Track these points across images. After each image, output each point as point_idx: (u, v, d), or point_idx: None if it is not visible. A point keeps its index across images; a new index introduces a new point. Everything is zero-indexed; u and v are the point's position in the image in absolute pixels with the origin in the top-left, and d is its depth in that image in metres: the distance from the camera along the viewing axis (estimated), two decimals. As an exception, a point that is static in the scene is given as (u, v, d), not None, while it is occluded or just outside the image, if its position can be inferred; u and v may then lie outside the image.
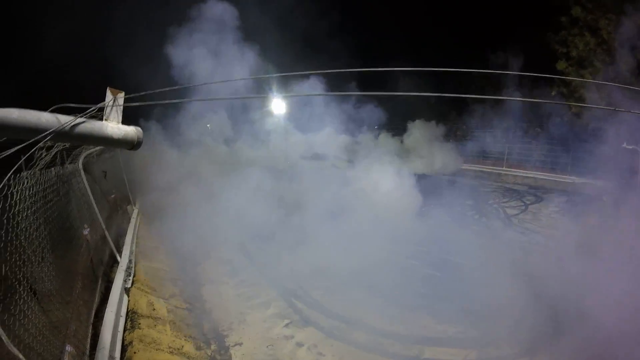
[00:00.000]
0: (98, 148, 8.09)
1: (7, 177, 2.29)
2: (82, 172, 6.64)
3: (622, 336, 5.67)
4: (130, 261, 7.10)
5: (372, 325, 6.76)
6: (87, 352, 4.27)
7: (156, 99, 2.87)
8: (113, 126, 2.40)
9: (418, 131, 23.31)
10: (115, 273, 6.19)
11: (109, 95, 2.44)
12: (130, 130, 2.48)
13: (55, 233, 4.43)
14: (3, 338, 1.65)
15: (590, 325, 6.02)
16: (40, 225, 3.83)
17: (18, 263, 2.94)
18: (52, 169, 4.54)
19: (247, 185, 13.20)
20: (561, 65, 16.27)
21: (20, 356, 2.02)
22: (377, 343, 6.26)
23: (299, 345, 6.18)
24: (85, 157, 7.23)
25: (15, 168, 1.99)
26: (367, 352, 6.00)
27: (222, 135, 17.88)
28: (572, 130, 19.55)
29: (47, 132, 2.03)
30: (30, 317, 2.92)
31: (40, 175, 3.87)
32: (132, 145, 2.52)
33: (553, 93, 18.85)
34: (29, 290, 3.03)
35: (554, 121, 20.10)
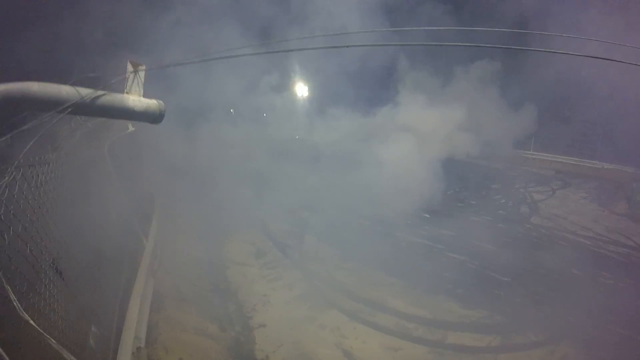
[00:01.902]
0: (124, 133, 8.17)
1: (18, 158, 2.27)
2: (107, 157, 6.73)
3: None
4: (156, 244, 7.21)
5: (395, 308, 6.70)
6: (114, 332, 4.36)
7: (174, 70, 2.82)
8: (135, 99, 2.37)
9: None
10: (141, 256, 6.29)
11: (129, 68, 2.41)
12: (152, 104, 2.45)
13: (82, 214, 4.50)
14: (24, 316, 1.67)
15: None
16: (67, 207, 3.89)
17: (44, 243, 2.99)
18: (79, 152, 4.59)
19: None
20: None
21: (45, 334, 2.03)
22: (401, 326, 6.21)
23: (322, 327, 6.19)
24: (110, 142, 7.33)
25: (30, 144, 1.97)
26: (390, 335, 5.96)
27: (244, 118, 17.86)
28: (602, 114, 18.76)
29: (68, 104, 2.01)
30: (56, 297, 2.98)
31: (66, 157, 3.91)
32: (154, 118, 2.49)
33: (583, 74, 18.03)
34: (55, 270, 3.08)
35: (584, 104, 19.32)
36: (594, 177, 17.72)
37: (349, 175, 12.92)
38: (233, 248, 9.45)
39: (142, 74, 2.40)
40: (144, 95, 2.40)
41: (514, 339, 5.89)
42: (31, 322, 1.66)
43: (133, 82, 2.37)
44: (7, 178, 2.40)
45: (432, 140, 11.45)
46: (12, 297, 1.63)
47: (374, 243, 9.54)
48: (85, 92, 2.03)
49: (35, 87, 1.86)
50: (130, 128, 8.06)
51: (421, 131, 11.51)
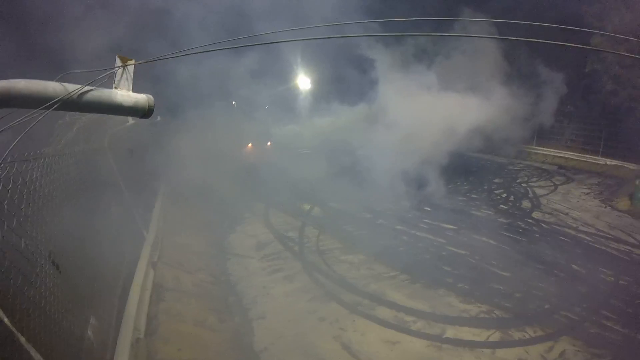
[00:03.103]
0: (124, 126, 8.21)
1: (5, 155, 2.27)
2: (108, 150, 6.76)
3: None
4: (157, 236, 7.27)
5: (395, 301, 6.72)
6: (113, 324, 4.41)
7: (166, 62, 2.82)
8: (123, 94, 2.36)
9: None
10: (141, 248, 6.34)
11: (117, 63, 2.40)
12: (141, 98, 2.44)
13: (81, 208, 4.53)
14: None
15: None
16: (65, 200, 3.91)
17: (40, 237, 3.01)
18: (76, 145, 4.61)
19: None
20: (595, 39, 15.27)
21: (15, 331, 2.06)
22: (400, 319, 6.23)
23: (321, 319, 6.22)
24: (110, 135, 7.36)
25: (16, 141, 1.97)
26: (389, 329, 5.98)
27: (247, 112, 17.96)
28: (605, 110, 18.60)
29: (54, 100, 2.01)
30: (52, 289, 3.01)
31: (62, 151, 3.92)
32: (143, 112, 2.48)
33: (587, 69, 17.84)
34: (52, 263, 3.11)
35: (588, 99, 19.18)
36: (596, 172, 17.64)
37: (351, 167, 12.95)
38: (234, 240, 9.51)
39: (131, 68, 2.39)
40: (134, 90, 2.39)
41: (513, 334, 5.88)
42: (5, 320, 1.67)
43: (122, 77, 2.36)
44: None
45: (432, 132, 11.40)
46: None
47: (375, 236, 9.60)
48: (72, 87, 2.03)
49: (20, 85, 1.87)
50: (131, 121, 8.10)
51: (421, 122, 11.45)
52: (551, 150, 20.92)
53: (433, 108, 11.36)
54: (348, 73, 16.46)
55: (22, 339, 2.26)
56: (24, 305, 2.47)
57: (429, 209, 11.73)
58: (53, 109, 1.98)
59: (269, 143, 19.22)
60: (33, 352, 2.32)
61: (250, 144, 18.65)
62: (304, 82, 19.04)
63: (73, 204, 4.16)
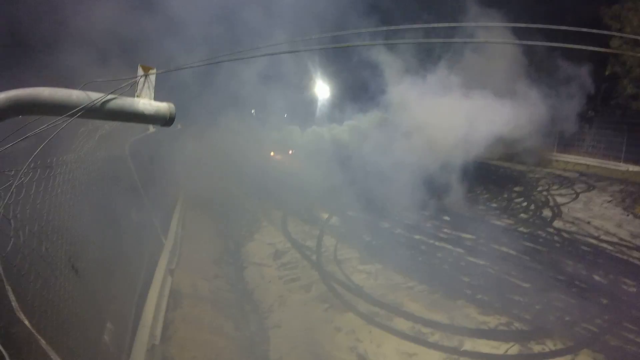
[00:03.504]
0: (145, 134, 8.37)
1: (28, 161, 2.34)
2: (129, 157, 6.90)
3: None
4: (175, 243, 7.35)
5: (412, 312, 6.61)
6: (129, 329, 4.45)
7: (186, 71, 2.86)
8: (145, 102, 2.41)
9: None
10: (160, 254, 6.42)
11: (140, 72, 2.45)
12: (163, 107, 2.48)
13: (101, 214, 4.62)
14: (20, 316, 1.73)
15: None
16: (86, 206, 4.00)
17: (60, 242, 3.08)
18: (98, 153, 4.71)
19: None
20: (615, 42, 14.94)
21: (36, 333, 2.09)
22: (417, 331, 6.13)
23: (338, 330, 6.16)
24: (131, 143, 7.51)
25: (41, 147, 2.03)
26: (405, 340, 5.88)
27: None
28: (627, 114, 18.14)
29: (78, 108, 2.06)
30: (70, 293, 3.06)
31: (85, 157, 4.02)
32: (164, 121, 2.52)
33: (607, 72, 17.42)
34: (72, 267, 3.17)
35: (608, 103, 18.76)
36: (618, 179, 17.17)
37: (368, 176, 12.90)
38: (252, 248, 9.54)
39: (152, 77, 2.44)
40: (155, 98, 2.43)
41: (532, 347, 5.72)
42: (26, 322, 1.70)
43: (144, 85, 2.41)
44: (22, 179, 2.48)
45: (450, 139, 11.26)
46: (12, 297, 1.69)
47: (393, 245, 9.50)
48: (95, 96, 2.08)
49: (46, 93, 1.92)
50: (151, 129, 8.25)
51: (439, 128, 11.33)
52: (572, 157, 20.52)
53: (450, 114, 11.22)
54: (363, 78, 16.46)
55: (43, 342, 2.30)
56: (43, 308, 2.52)
57: (448, 218, 11.57)
58: (76, 117, 2.04)
59: (290, 151, 19.59)
60: (53, 355, 2.36)
61: (273, 152, 19.05)
62: (322, 89, 19.19)
63: (93, 210, 4.24)
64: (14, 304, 1.66)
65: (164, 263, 6.11)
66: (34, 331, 1.71)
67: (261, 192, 13.55)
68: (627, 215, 12.07)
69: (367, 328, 6.20)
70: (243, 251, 9.35)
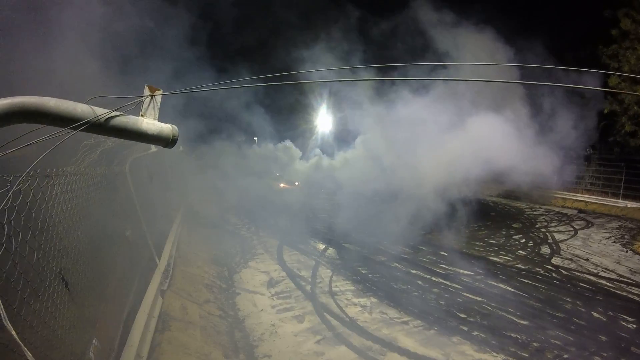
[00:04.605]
0: (145, 153, 8.39)
1: (28, 168, 2.33)
2: (128, 174, 6.88)
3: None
4: (168, 264, 7.24)
5: (406, 347, 6.44)
6: (115, 348, 4.32)
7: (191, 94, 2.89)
8: (149, 122, 2.42)
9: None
10: (152, 275, 6.31)
11: (146, 92, 2.48)
12: (166, 128, 2.49)
13: (95, 230, 4.57)
14: (7, 326, 1.67)
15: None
16: (81, 219, 3.96)
17: (53, 253, 3.03)
18: (98, 167, 4.71)
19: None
20: (613, 80, 15.31)
21: (22, 345, 2.02)
22: (411, 367, 5.95)
23: (329, 363, 5.99)
24: (132, 160, 7.52)
25: (43, 156, 2.02)
26: (398, 376, 5.71)
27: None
28: (625, 151, 18.44)
29: (82, 122, 2.07)
30: (58, 306, 2.99)
31: (84, 171, 4.01)
32: (166, 142, 2.52)
33: (606, 110, 17.78)
34: (62, 280, 3.10)
35: (607, 141, 19.10)
36: (617, 216, 17.25)
37: (366, 209, 12.90)
38: (245, 275, 9.41)
39: (158, 98, 2.47)
40: (159, 120, 2.45)
41: (530, 389, 5.55)
42: (13, 333, 1.65)
43: (149, 105, 2.43)
44: (20, 185, 2.46)
45: (446, 176, 11.32)
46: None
47: (389, 280, 9.39)
48: (100, 111, 2.10)
49: (51, 103, 1.94)
50: (153, 148, 8.27)
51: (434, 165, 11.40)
52: (571, 194, 20.69)
53: (445, 150, 11.33)
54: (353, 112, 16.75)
55: (29, 355, 2.22)
56: (28, 318, 2.45)
57: (445, 254, 11.48)
58: (80, 130, 2.04)
59: (296, 183, 20.27)
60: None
61: (282, 184, 19.80)
62: (324, 122, 19.56)
63: (89, 224, 4.19)
64: (2, 312, 1.61)
65: (156, 283, 6.00)
66: (20, 342, 1.65)
67: (259, 220, 13.53)
68: (626, 251, 12.09)
69: (360, 362, 6.03)
70: (236, 277, 9.21)
